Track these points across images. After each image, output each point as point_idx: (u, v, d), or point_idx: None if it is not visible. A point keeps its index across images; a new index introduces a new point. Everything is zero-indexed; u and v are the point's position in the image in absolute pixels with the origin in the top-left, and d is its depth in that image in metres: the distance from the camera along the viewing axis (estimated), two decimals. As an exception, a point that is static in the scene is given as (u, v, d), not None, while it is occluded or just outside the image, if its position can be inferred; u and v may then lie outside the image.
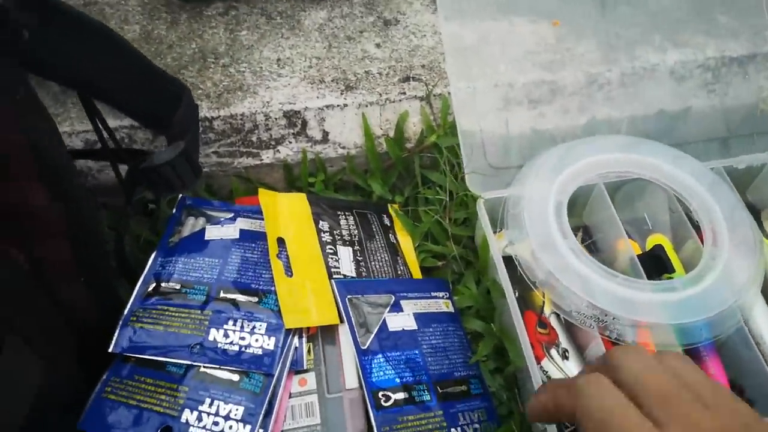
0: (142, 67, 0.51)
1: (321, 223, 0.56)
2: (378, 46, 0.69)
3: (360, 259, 0.55)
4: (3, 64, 0.35)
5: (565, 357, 0.51)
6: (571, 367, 0.51)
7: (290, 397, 0.47)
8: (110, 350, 0.46)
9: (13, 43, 0.36)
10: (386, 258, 0.57)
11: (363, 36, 0.70)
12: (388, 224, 0.62)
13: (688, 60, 0.67)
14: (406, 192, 0.65)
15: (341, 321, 0.49)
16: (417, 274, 0.58)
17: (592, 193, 0.60)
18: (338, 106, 0.63)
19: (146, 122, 0.57)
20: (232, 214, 0.56)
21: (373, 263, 0.56)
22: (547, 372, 0.50)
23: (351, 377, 0.48)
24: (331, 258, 0.53)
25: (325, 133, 0.63)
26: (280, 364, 0.46)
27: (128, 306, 0.48)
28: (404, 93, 0.64)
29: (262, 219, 0.56)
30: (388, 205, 0.64)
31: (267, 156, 0.62)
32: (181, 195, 0.57)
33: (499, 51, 0.65)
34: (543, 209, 0.54)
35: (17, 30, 0.36)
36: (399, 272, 0.57)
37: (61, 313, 0.44)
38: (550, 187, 0.56)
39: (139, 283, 0.50)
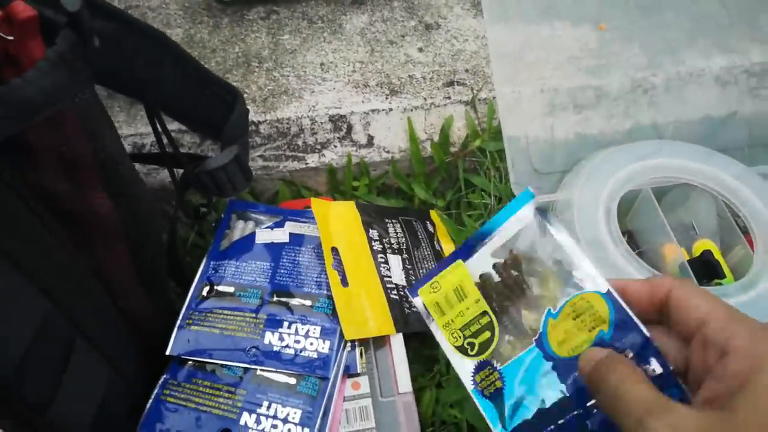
0: (198, 73, 0.52)
1: (371, 231, 0.56)
2: (420, 50, 0.69)
3: (409, 267, 0.56)
4: (76, 70, 0.36)
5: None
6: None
7: (344, 400, 0.47)
8: (168, 353, 0.46)
9: (85, 49, 0.37)
10: (433, 266, 0.58)
11: (405, 40, 0.70)
12: (432, 231, 0.62)
13: (734, 65, 0.67)
14: (448, 196, 0.65)
15: (397, 331, 0.50)
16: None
17: (638, 198, 0.60)
18: (383, 110, 0.63)
19: (199, 127, 0.57)
20: (280, 218, 0.57)
21: (421, 271, 0.56)
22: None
23: (404, 381, 0.48)
24: (383, 267, 0.54)
25: (370, 138, 0.63)
26: (335, 368, 0.46)
27: (183, 309, 0.49)
28: (449, 97, 0.64)
29: (310, 222, 0.56)
30: (430, 211, 0.64)
31: (312, 160, 0.63)
32: (229, 199, 0.58)
33: (543, 55, 0.65)
34: (593, 214, 0.54)
35: (90, 36, 0.37)
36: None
37: (121, 316, 0.44)
38: (600, 192, 0.56)
39: (193, 287, 0.50)
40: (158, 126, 0.47)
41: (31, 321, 0.34)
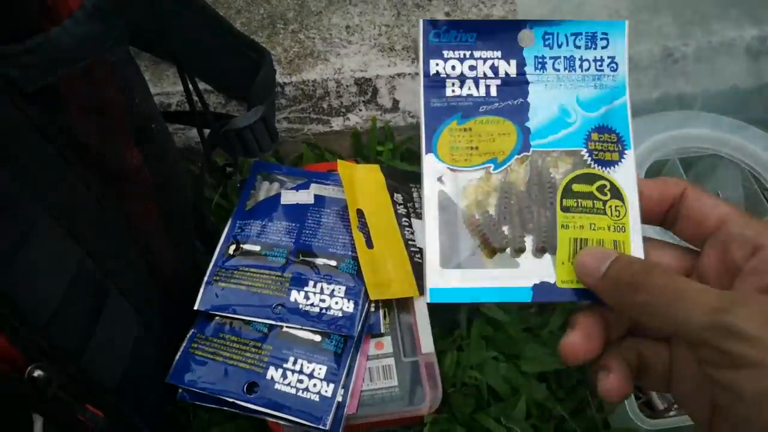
0: (225, 31, 0.52)
1: (396, 195, 0.56)
2: (447, 14, 0.68)
3: (432, 229, 0.56)
4: (111, 22, 0.36)
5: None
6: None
7: (368, 359, 0.48)
8: (196, 308, 0.47)
9: (120, 2, 0.37)
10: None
11: (431, 4, 0.69)
12: (455, 194, 0.62)
13: (765, 36, 0.65)
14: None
15: (420, 294, 0.50)
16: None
17: (665, 168, 0.60)
18: (409, 74, 0.63)
19: (226, 87, 0.57)
20: (304, 180, 0.57)
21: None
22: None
23: (427, 342, 0.49)
24: (407, 231, 0.54)
25: (395, 102, 0.63)
26: (359, 327, 0.47)
27: (210, 266, 0.50)
28: (475, 63, 0.63)
29: (334, 185, 0.56)
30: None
31: (337, 123, 0.63)
32: (254, 160, 0.58)
33: (572, 22, 0.64)
34: (619, 183, 0.54)
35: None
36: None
37: (149, 270, 0.45)
38: (628, 160, 0.55)
39: (220, 245, 0.51)
40: (189, 84, 0.47)
41: (67, 269, 0.35)
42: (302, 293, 0.48)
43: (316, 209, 0.54)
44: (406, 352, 0.49)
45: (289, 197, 0.55)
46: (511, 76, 0.36)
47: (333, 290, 0.48)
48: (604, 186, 0.35)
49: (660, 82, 0.64)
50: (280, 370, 0.44)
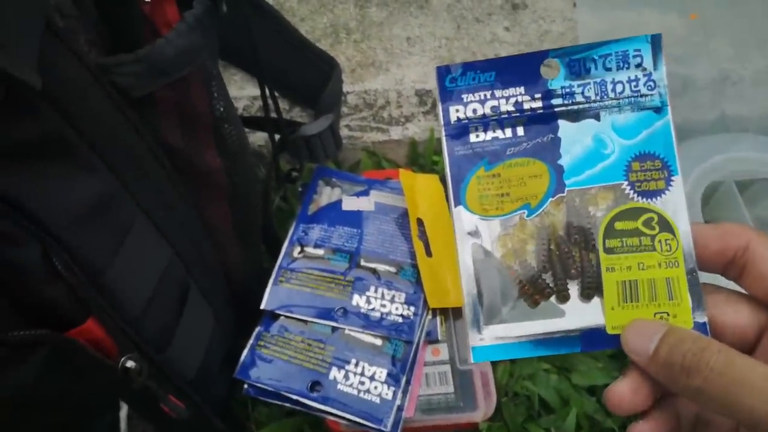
0: (297, 42, 0.53)
1: (453, 203, 0.58)
2: (507, 29, 0.70)
3: (487, 239, 0.57)
4: (207, 33, 0.38)
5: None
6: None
7: (425, 365, 0.49)
8: (262, 307, 0.49)
9: (216, 14, 0.39)
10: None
11: (491, 18, 0.71)
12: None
13: (825, 61, 0.66)
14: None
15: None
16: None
17: (719, 190, 0.60)
18: (469, 87, 0.64)
19: (292, 94, 0.59)
20: (365, 187, 0.59)
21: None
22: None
23: (482, 351, 0.50)
24: (464, 239, 0.55)
25: (454, 114, 0.64)
26: (418, 333, 0.48)
27: (276, 267, 0.51)
28: (534, 78, 0.65)
29: (393, 193, 0.58)
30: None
31: (395, 132, 0.64)
32: (317, 165, 0.60)
33: (631, 41, 0.65)
34: (676, 203, 0.55)
35: (220, 1, 0.38)
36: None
37: (222, 269, 0.47)
38: (684, 182, 0.56)
39: (285, 247, 0.53)
40: (266, 91, 0.49)
41: (158, 266, 0.37)
42: (364, 297, 0.50)
43: (376, 216, 0.56)
44: (462, 360, 0.50)
45: (350, 203, 0.56)
46: (538, 111, 0.33)
47: (393, 296, 0.50)
48: (651, 219, 0.32)
49: (716, 103, 0.64)
50: (343, 371, 0.46)
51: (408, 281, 0.51)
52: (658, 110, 0.33)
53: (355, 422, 0.45)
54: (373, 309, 0.49)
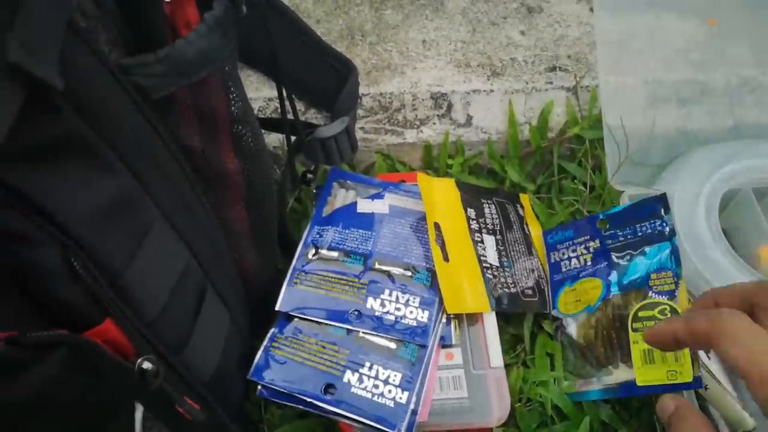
0: (317, 45, 0.53)
1: (469, 210, 0.57)
2: (522, 33, 0.69)
3: (501, 248, 0.57)
4: (227, 34, 0.38)
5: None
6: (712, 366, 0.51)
7: (438, 369, 0.49)
8: (277, 308, 0.49)
9: (236, 15, 0.39)
10: (523, 249, 0.59)
11: (507, 22, 0.70)
12: (522, 214, 0.63)
13: None
14: (539, 180, 0.66)
15: (491, 310, 0.51)
16: (545, 263, 0.59)
17: (736, 197, 0.60)
18: (485, 91, 0.64)
19: (308, 95, 0.59)
20: (379, 190, 0.58)
21: (512, 253, 0.57)
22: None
23: (496, 356, 0.50)
24: (479, 246, 0.55)
25: (469, 117, 0.64)
26: (433, 337, 0.48)
27: (291, 269, 0.51)
28: (550, 82, 0.64)
29: (408, 196, 0.58)
30: (521, 195, 0.65)
31: (410, 135, 0.64)
32: (332, 167, 0.60)
33: (649, 47, 0.65)
34: (693, 210, 0.54)
35: (240, 3, 0.38)
36: (532, 265, 0.58)
37: (238, 271, 0.47)
38: (702, 188, 0.56)
39: (299, 249, 0.53)
40: (284, 93, 0.49)
41: (176, 268, 0.37)
42: (378, 300, 0.49)
43: (391, 219, 0.56)
44: (476, 364, 0.50)
45: (364, 206, 0.56)
46: (597, 249, 0.55)
47: (408, 299, 0.50)
48: (665, 309, 0.49)
49: (735, 110, 0.64)
50: (357, 374, 0.46)
51: (422, 285, 0.51)
52: (669, 240, 0.51)
53: (369, 426, 0.44)
54: (387, 312, 0.49)
